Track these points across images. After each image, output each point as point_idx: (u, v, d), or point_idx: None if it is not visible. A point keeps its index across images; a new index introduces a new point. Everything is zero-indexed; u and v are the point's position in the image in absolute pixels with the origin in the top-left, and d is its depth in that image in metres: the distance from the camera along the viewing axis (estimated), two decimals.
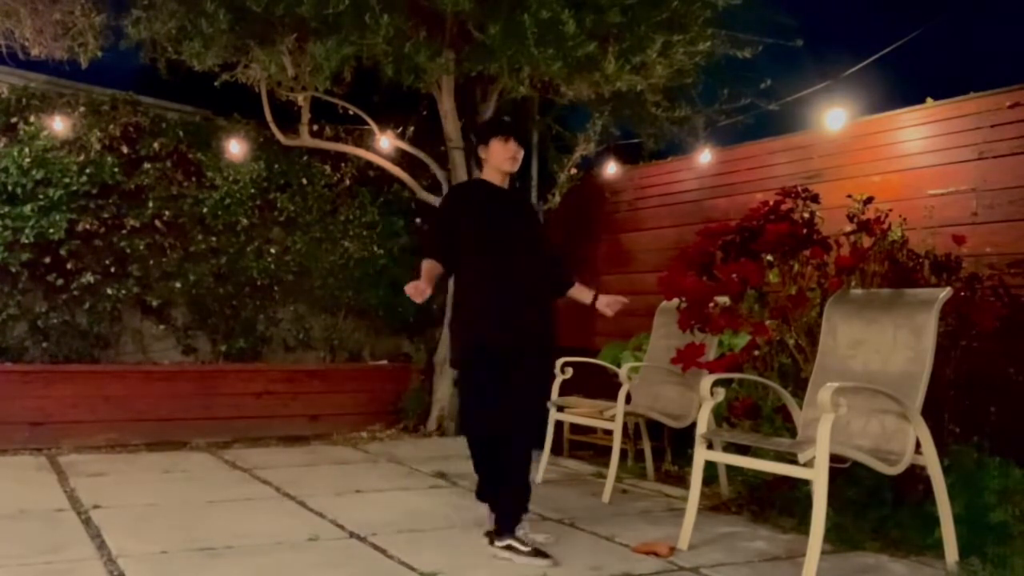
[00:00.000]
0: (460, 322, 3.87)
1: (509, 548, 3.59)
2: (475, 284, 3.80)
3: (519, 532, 3.65)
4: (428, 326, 7.55)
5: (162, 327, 6.97)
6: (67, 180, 6.34)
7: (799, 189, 4.48)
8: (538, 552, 3.56)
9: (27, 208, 6.21)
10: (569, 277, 4.19)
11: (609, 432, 4.89)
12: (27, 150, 6.25)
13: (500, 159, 3.87)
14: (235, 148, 6.90)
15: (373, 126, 6.92)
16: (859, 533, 3.84)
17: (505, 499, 3.74)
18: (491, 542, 3.68)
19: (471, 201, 3.95)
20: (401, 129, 7.19)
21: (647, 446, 5.39)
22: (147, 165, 6.72)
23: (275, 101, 6.51)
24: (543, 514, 4.36)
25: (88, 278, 6.47)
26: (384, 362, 7.56)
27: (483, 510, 4.29)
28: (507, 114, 7.04)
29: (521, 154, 3.93)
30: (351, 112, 6.86)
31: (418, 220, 7.66)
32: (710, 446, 3.85)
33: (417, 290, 3.60)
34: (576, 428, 6.06)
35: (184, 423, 6.37)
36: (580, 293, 4.19)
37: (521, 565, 3.51)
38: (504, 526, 3.66)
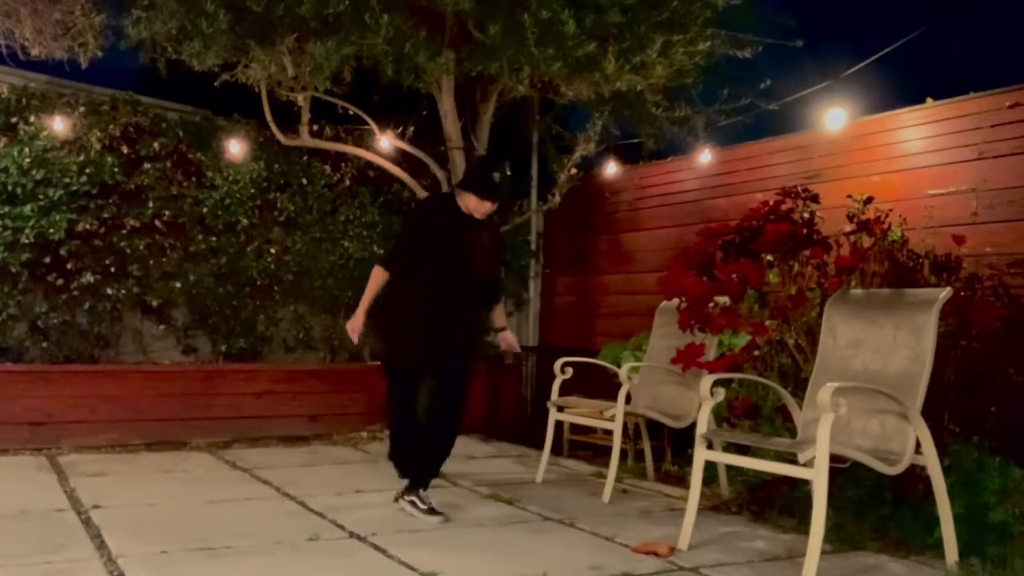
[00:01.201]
0: (384, 329, 4.39)
1: (412, 503, 4.22)
2: (410, 298, 4.27)
3: (422, 493, 4.26)
4: None
5: (162, 327, 6.97)
6: (67, 180, 6.34)
7: (799, 189, 4.48)
8: (433, 510, 4.16)
9: (27, 208, 6.21)
10: (494, 301, 4.66)
11: (609, 432, 4.89)
12: (27, 150, 6.24)
13: (472, 209, 4.29)
14: (235, 148, 6.90)
15: (373, 126, 6.92)
16: (859, 533, 3.84)
17: (419, 468, 4.35)
18: (398, 498, 4.34)
19: (439, 220, 4.35)
20: (401, 129, 7.19)
21: (647, 446, 5.40)
22: (147, 165, 6.71)
23: (275, 101, 6.51)
24: (543, 514, 4.36)
25: (88, 278, 6.47)
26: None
27: (482, 510, 4.33)
28: (507, 114, 7.06)
29: (494, 209, 4.37)
30: (351, 112, 6.86)
31: None
32: (710, 446, 3.85)
33: (355, 331, 4.26)
34: (576, 428, 6.07)
35: (184, 423, 6.37)
36: (497, 316, 4.73)
37: (418, 518, 4.14)
38: (414, 483, 4.29)
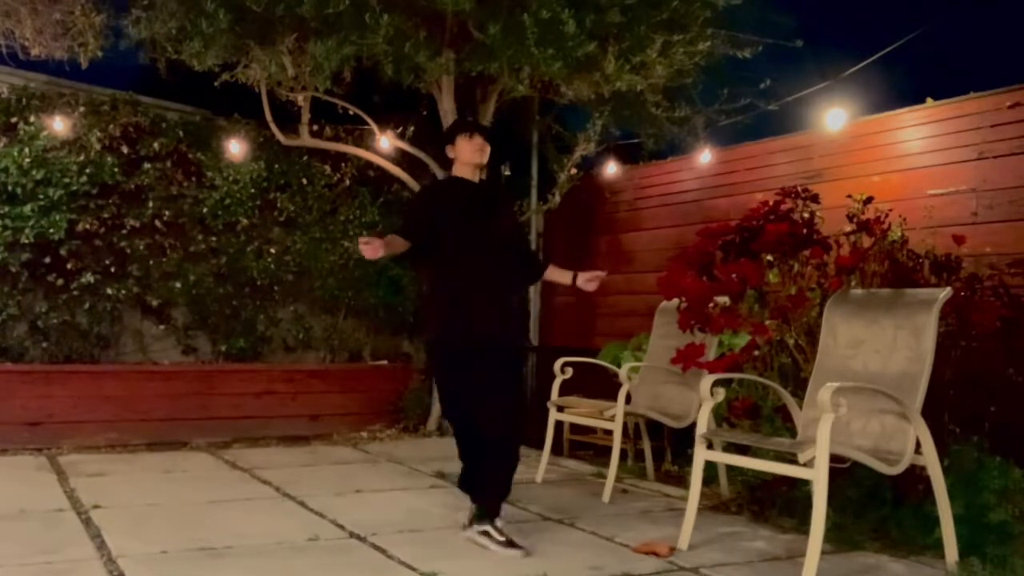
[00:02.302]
0: (428, 317, 4.07)
1: (486, 535, 3.71)
2: (446, 282, 3.95)
3: (498, 523, 3.75)
4: None
5: (162, 327, 6.97)
6: (67, 180, 6.34)
7: (799, 189, 4.48)
8: (511, 543, 3.66)
9: (27, 208, 6.21)
10: (543, 262, 4.32)
11: (609, 432, 4.89)
12: (27, 150, 6.25)
13: (468, 154, 4.00)
14: (235, 148, 6.90)
15: (373, 126, 6.92)
16: (859, 533, 3.84)
17: (487, 488, 3.84)
18: (468, 525, 3.82)
19: (450, 199, 4.07)
20: (401, 129, 7.19)
21: (647, 446, 5.39)
22: (147, 165, 6.72)
23: (275, 101, 6.51)
24: (543, 514, 4.36)
25: (88, 278, 6.47)
26: (384, 362, 7.55)
27: None
28: (507, 114, 7.06)
29: (488, 147, 4.03)
30: (351, 112, 6.86)
31: None
32: (710, 446, 3.85)
33: (371, 246, 3.65)
34: (576, 428, 6.06)
35: (184, 423, 6.37)
36: (557, 275, 4.28)
37: (495, 552, 3.64)
38: (483, 512, 3.77)
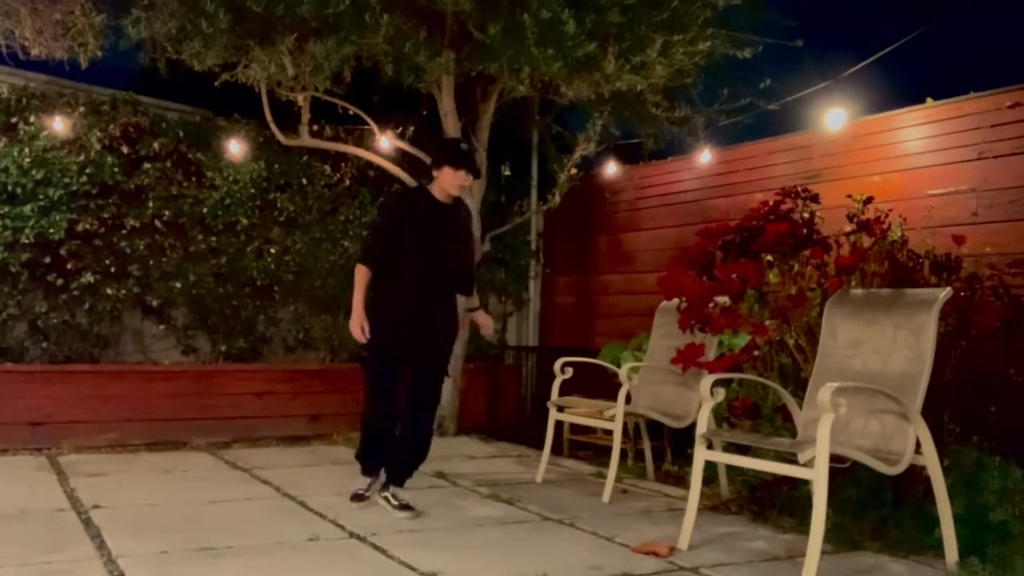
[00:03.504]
0: (369, 319, 4.28)
1: (387, 500, 4.31)
2: (391, 290, 4.31)
3: (394, 489, 4.37)
4: None
5: (162, 327, 6.97)
6: (67, 180, 6.34)
7: (799, 189, 4.48)
8: (406, 506, 4.24)
9: (27, 208, 6.21)
10: (469, 289, 4.67)
11: (609, 432, 4.89)
12: (27, 150, 6.24)
13: (448, 184, 4.30)
14: (235, 148, 6.90)
15: (373, 126, 6.92)
16: (859, 533, 3.85)
17: (397, 461, 4.43)
18: (357, 496, 4.46)
19: (412, 211, 4.37)
20: (401, 129, 7.19)
21: (647, 446, 5.40)
22: (147, 165, 6.71)
23: (275, 101, 6.50)
24: (543, 514, 4.36)
25: (88, 278, 6.46)
26: None
27: (482, 510, 4.32)
28: (507, 114, 7.06)
29: (470, 181, 4.38)
30: (351, 112, 6.86)
31: None
32: (710, 446, 3.86)
33: (360, 326, 4.23)
34: (576, 428, 6.07)
35: (184, 423, 6.37)
36: (468, 300, 4.73)
37: (391, 514, 4.21)
38: (392, 481, 4.39)
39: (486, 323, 4.68)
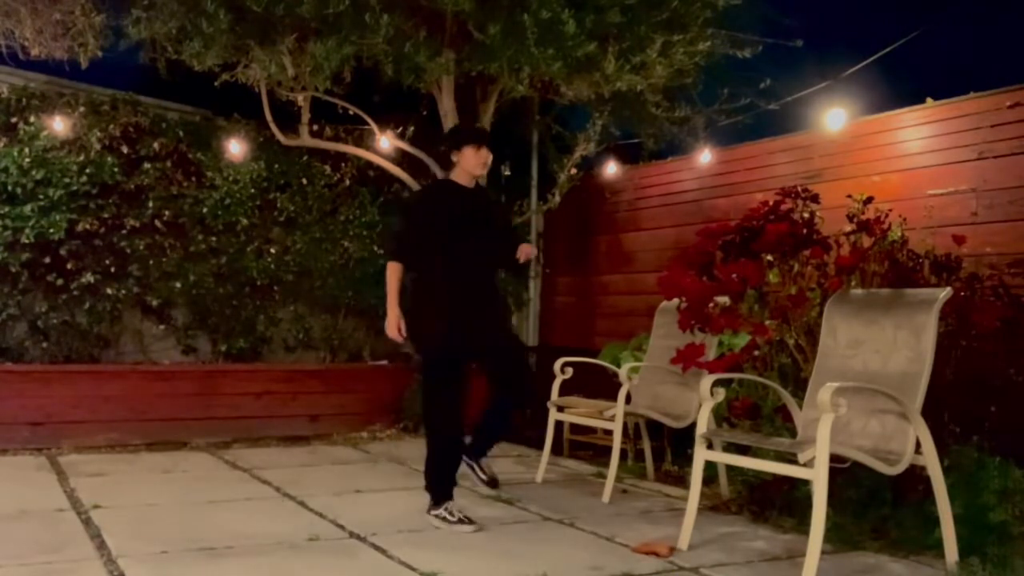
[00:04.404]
0: (421, 322, 4.18)
1: (442, 518, 4.04)
2: (438, 286, 4.15)
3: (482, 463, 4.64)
4: None
5: (162, 327, 6.97)
6: (67, 180, 6.34)
7: (799, 189, 4.48)
8: (466, 519, 4.01)
9: (27, 208, 6.21)
10: (512, 265, 4.53)
11: (609, 432, 4.88)
12: (27, 150, 6.25)
13: (472, 165, 4.24)
14: (235, 148, 6.90)
15: (373, 126, 6.92)
16: (859, 533, 3.84)
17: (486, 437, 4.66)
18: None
19: (443, 203, 4.27)
20: (401, 129, 7.19)
21: (647, 446, 5.39)
22: (147, 165, 6.72)
23: (275, 101, 6.51)
24: (543, 514, 4.36)
25: (88, 278, 6.47)
26: (384, 362, 7.55)
27: (482, 510, 4.31)
28: (507, 114, 7.06)
29: (491, 159, 4.29)
30: (351, 112, 6.86)
31: None
32: (710, 446, 3.85)
33: (397, 327, 4.15)
34: (576, 428, 6.06)
35: (184, 423, 6.37)
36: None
37: (452, 529, 3.99)
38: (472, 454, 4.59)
39: (527, 252, 4.46)
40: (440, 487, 4.10)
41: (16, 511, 4.16)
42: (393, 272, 4.20)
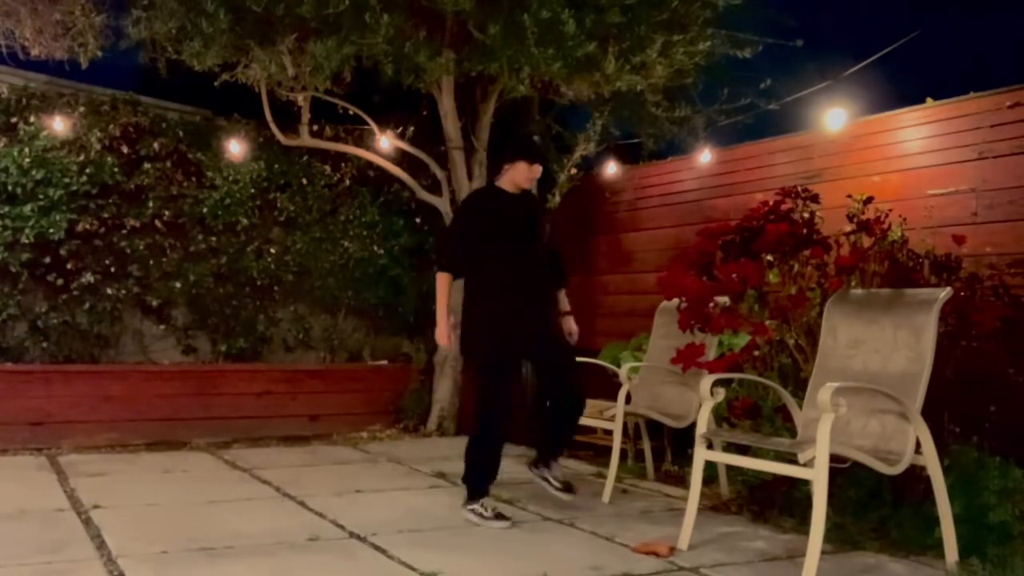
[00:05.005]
0: (473, 332, 4.26)
1: (478, 514, 4.14)
2: (491, 292, 4.22)
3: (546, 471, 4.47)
4: (428, 326, 7.54)
5: (162, 327, 6.97)
6: (67, 180, 6.34)
7: (799, 189, 4.48)
8: (500, 515, 4.12)
9: (27, 208, 6.22)
10: (563, 276, 4.65)
11: (609, 432, 4.89)
12: (27, 150, 6.25)
13: (522, 179, 4.34)
14: (235, 148, 6.90)
15: (373, 126, 6.92)
16: (859, 533, 3.84)
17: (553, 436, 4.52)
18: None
19: (489, 211, 4.34)
20: (401, 129, 7.19)
21: (647, 446, 5.39)
22: (147, 165, 6.72)
23: (275, 101, 6.51)
24: (543, 514, 4.36)
25: (88, 278, 6.47)
26: (384, 362, 7.56)
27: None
28: (507, 114, 7.06)
29: (540, 174, 4.41)
30: (351, 112, 6.86)
31: (418, 220, 7.66)
32: (710, 446, 3.85)
33: (447, 337, 4.24)
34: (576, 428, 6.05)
35: (184, 423, 6.37)
36: (562, 300, 4.65)
37: (485, 525, 4.09)
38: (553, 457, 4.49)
39: (574, 331, 4.64)
40: (480, 483, 4.22)
41: (16, 511, 4.16)
42: (442, 283, 4.26)
